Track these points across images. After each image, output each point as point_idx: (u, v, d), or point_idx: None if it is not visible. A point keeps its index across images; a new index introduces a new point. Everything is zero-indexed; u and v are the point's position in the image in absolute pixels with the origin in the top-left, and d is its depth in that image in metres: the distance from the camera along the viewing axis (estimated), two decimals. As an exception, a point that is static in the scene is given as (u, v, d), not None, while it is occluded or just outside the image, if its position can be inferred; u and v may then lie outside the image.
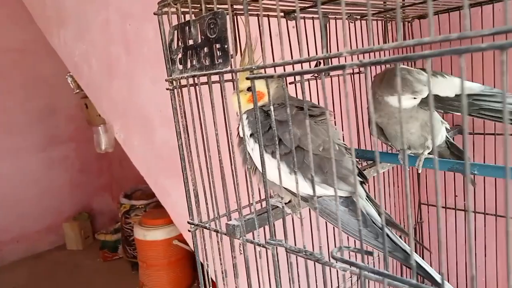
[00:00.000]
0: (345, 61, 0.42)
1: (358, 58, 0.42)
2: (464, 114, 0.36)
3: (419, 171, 1.01)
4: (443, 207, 1.53)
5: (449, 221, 1.54)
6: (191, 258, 2.98)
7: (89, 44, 2.12)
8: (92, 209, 4.33)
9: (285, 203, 0.80)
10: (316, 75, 1.01)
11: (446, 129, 1.06)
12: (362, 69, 0.47)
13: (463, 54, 0.33)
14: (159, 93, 1.79)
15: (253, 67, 0.51)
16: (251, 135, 0.76)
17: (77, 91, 2.63)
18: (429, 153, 1.01)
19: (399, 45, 0.36)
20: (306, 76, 1.01)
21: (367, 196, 0.83)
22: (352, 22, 1.07)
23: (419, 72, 0.87)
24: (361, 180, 0.86)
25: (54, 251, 4.03)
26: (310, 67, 0.45)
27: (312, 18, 0.98)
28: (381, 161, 1.09)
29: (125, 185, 3.82)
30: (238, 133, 0.81)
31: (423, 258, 0.75)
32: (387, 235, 0.74)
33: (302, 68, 0.46)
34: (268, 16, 0.86)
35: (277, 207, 0.80)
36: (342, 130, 1.15)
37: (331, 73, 1.07)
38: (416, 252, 0.75)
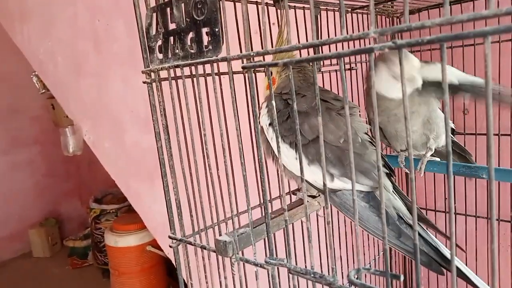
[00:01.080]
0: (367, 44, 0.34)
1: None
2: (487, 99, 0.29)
3: (421, 175, 0.95)
4: (433, 210, 1.49)
5: (438, 224, 1.50)
6: (166, 264, 2.88)
7: (55, 41, 2.01)
8: (60, 214, 4.17)
9: (313, 197, 0.79)
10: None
11: (452, 129, 1.00)
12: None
13: (538, 30, 0.26)
14: (130, 92, 1.71)
15: (252, 54, 0.42)
16: (269, 124, 0.74)
17: (43, 91, 2.51)
18: (431, 155, 0.95)
19: (448, 21, 0.29)
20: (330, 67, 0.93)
21: (394, 189, 0.79)
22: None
23: (410, 58, 0.80)
24: (388, 172, 0.81)
25: (19, 259, 3.86)
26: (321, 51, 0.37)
27: (303, 8, 0.90)
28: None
29: (94, 189, 3.69)
30: (259, 122, 0.78)
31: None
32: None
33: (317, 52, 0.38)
34: (256, 3, 0.77)
35: (293, 208, 0.77)
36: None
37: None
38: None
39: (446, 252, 0.68)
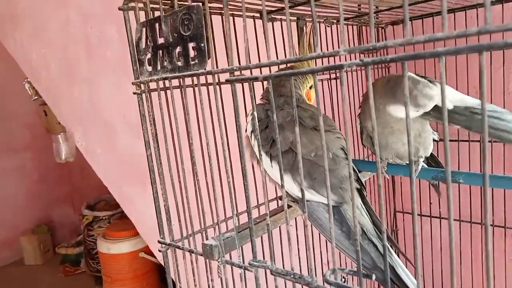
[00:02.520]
0: (340, 61, 0.37)
1: (355, 58, 0.37)
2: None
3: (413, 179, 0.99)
4: (418, 215, 1.52)
5: (424, 229, 1.53)
6: (159, 271, 2.88)
7: (48, 47, 2.01)
8: (52, 221, 4.14)
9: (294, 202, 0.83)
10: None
11: (434, 140, 1.04)
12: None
13: (484, 51, 0.29)
14: (122, 98, 1.72)
15: (235, 68, 0.45)
16: (251, 131, 0.80)
17: (35, 97, 2.50)
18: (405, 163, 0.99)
19: (408, 41, 0.32)
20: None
21: (364, 204, 0.81)
22: (328, 26, 1.03)
23: (425, 84, 0.82)
24: (358, 187, 0.83)
25: (11, 266, 3.82)
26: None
27: (291, 20, 0.93)
28: (364, 170, 1.05)
29: (87, 196, 3.67)
30: (246, 128, 0.84)
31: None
32: (376, 248, 0.72)
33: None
34: (250, 17, 0.80)
35: (276, 213, 0.80)
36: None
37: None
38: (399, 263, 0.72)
39: (402, 272, 0.71)
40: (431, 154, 1.08)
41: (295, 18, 0.93)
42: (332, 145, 0.81)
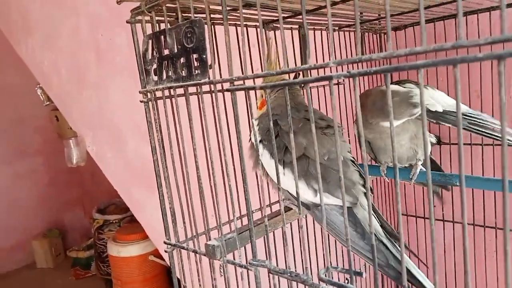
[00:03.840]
0: (331, 72, 0.40)
1: (343, 69, 0.40)
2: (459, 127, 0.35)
3: (411, 183, 1.02)
4: (418, 217, 1.54)
5: (427, 231, 1.54)
6: (168, 274, 2.90)
7: (59, 54, 2.05)
8: (63, 225, 4.18)
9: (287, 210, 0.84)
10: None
11: (431, 142, 1.07)
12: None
13: (458, 64, 0.31)
14: (132, 103, 1.75)
15: (234, 78, 0.48)
16: (260, 141, 0.79)
17: (47, 103, 2.55)
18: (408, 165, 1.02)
19: (390, 54, 0.34)
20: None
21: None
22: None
23: (409, 92, 0.88)
24: (364, 191, 0.85)
25: (23, 270, 3.86)
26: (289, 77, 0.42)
27: (291, 29, 0.96)
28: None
29: (97, 200, 3.70)
30: (250, 138, 0.84)
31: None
32: (386, 247, 0.74)
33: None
34: (246, 26, 0.83)
35: (275, 216, 0.81)
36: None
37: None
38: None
39: (412, 269, 0.72)
40: (432, 160, 1.11)
41: (297, 26, 0.96)
42: (342, 148, 0.84)
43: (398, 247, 0.76)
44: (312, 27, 1.01)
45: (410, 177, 1.02)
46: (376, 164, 1.09)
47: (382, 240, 0.78)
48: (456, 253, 1.45)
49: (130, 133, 1.84)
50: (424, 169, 1.04)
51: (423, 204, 1.52)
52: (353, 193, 0.78)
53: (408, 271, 0.72)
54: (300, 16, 0.88)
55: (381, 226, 0.81)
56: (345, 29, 1.13)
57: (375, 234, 0.77)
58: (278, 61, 0.82)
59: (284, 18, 0.86)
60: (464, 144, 1.31)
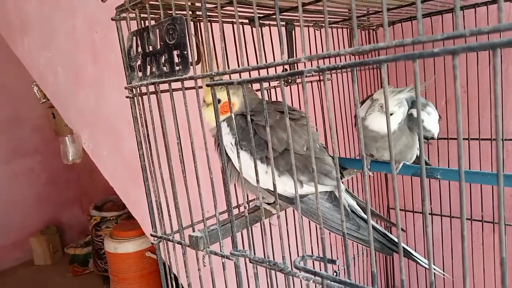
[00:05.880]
0: (305, 67, 0.42)
1: (317, 64, 0.42)
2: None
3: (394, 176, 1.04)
4: (411, 211, 1.56)
5: (417, 225, 1.56)
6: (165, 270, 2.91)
7: (55, 52, 2.06)
8: (61, 222, 4.19)
9: (269, 204, 0.84)
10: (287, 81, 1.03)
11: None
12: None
13: (417, 59, 0.33)
14: (127, 101, 1.74)
15: (214, 74, 0.50)
16: (234, 143, 0.74)
17: (44, 100, 2.56)
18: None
19: (356, 50, 0.36)
20: (273, 83, 1.01)
21: (346, 190, 0.88)
22: (317, 30, 1.07)
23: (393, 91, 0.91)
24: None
25: (21, 267, 3.88)
26: (267, 73, 0.43)
27: (269, 25, 0.97)
28: (350, 167, 1.09)
29: (95, 197, 3.72)
30: (215, 141, 0.81)
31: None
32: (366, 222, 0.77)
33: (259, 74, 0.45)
34: (232, 23, 0.85)
35: (255, 211, 0.82)
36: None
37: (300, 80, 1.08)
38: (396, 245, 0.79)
39: (393, 236, 0.77)
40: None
41: (284, 23, 0.97)
42: (314, 137, 0.86)
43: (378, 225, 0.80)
44: (299, 23, 1.01)
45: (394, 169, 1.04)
46: (357, 158, 1.10)
47: (362, 217, 0.82)
48: (444, 247, 1.47)
49: (126, 130, 1.85)
50: (408, 163, 1.06)
51: (412, 198, 1.54)
52: (334, 176, 0.80)
53: (395, 243, 0.77)
54: (286, 13, 0.89)
55: (358, 205, 0.85)
56: (333, 25, 1.14)
57: (354, 212, 0.80)
58: (207, 61, 0.73)
59: (269, 14, 0.88)
60: (451, 138, 1.34)
